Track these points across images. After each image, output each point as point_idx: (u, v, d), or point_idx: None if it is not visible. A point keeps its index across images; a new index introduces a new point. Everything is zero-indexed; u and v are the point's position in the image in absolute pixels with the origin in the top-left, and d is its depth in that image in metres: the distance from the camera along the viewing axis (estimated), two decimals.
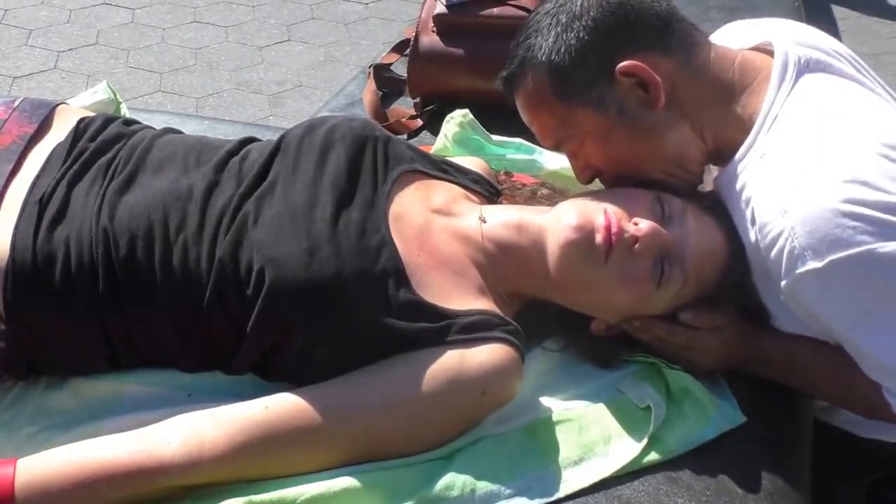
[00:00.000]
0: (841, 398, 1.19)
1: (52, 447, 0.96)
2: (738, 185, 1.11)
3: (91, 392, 1.08)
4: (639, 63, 1.10)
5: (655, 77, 1.10)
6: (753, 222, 1.07)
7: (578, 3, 1.12)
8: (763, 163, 1.07)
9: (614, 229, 1.09)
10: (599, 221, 1.10)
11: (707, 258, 1.13)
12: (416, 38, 1.78)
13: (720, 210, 1.18)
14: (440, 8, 1.76)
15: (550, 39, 1.13)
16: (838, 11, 3.91)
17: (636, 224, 1.10)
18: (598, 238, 1.09)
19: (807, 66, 1.12)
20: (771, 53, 1.15)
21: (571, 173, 1.39)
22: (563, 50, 1.12)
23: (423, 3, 1.82)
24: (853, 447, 1.30)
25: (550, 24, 1.14)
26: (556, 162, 1.49)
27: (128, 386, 1.08)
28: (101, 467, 0.93)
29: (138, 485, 0.94)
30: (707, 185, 1.28)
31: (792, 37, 1.17)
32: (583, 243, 1.09)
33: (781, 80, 1.11)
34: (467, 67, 1.74)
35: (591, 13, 1.11)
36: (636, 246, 1.09)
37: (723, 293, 1.15)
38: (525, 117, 1.22)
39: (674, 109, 1.13)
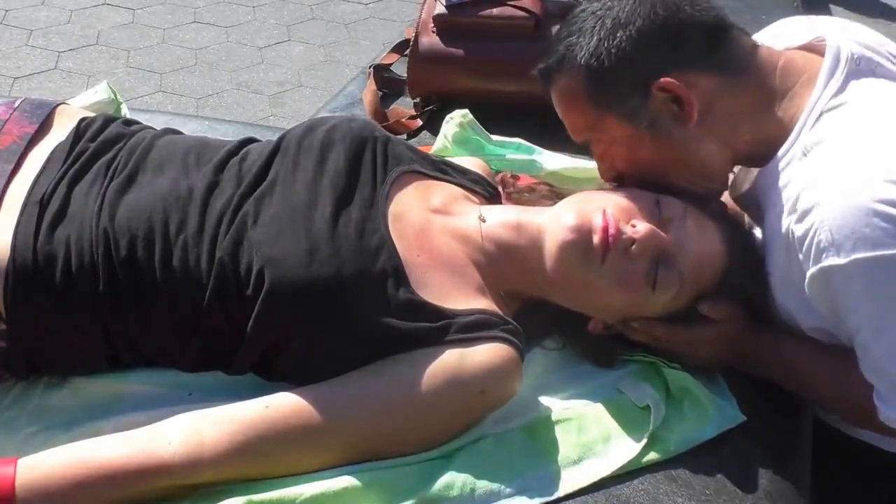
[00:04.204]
0: (833, 402, 1.19)
1: (53, 447, 0.96)
2: (780, 184, 1.09)
3: (91, 392, 1.08)
4: (676, 81, 1.09)
5: (690, 96, 1.09)
6: (790, 216, 1.05)
7: (626, 11, 1.10)
8: (806, 159, 1.06)
9: (612, 230, 1.09)
10: (597, 222, 1.10)
11: (705, 262, 1.13)
12: (416, 38, 1.78)
13: (721, 212, 1.18)
14: (440, 8, 1.76)
15: (592, 43, 1.10)
16: (837, 11, 3.90)
17: (633, 226, 1.10)
18: (595, 239, 1.09)
19: (858, 64, 1.11)
20: (820, 51, 1.14)
21: (571, 173, 1.40)
22: (602, 56, 1.10)
23: (423, 4, 1.82)
24: (854, 447, 1.30)
25: (595, 26, 1.11)
26: (555, 162, 1.49)
27: (128, 385, 1.09)
28: (101, 467, 0.93)
29: (138, 484, 0.94)
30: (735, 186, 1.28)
31: (850, 35, 1.16)
32: (580, 244, 1.10)
33: (831, 76, 1.10)
34: (467, 67, 1.74)
35: (637, 23, 1.09)
36: (633, 248, 1.09)
37: (722, 296, 1.15)
38: (558, 110, 1.21)
39: (705, 126, 1.11)
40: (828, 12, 3.83)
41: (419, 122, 1.81)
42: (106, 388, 1.09)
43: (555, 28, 1.39)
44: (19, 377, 1.10)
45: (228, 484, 0.96)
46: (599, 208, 1.12)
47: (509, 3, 1.73)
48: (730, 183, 1.27)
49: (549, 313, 1.21)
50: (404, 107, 1.86)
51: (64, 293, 1.04)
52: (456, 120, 1.52)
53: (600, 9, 1.12)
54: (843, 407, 1.18)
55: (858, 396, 1.07)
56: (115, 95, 1.55)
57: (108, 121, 1.25)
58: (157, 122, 1.38)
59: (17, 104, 1.23)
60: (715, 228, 1.16)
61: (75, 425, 1.04)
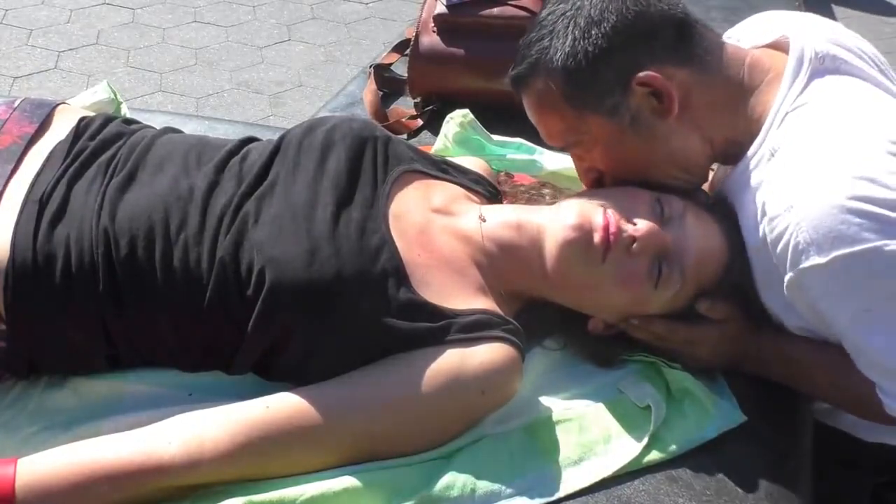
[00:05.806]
0: (836, 397, 1.19)
1: (53, 447, 0.96)
2: (749, 185, 1.10)
3: (91, 391, 1.08)
4: (656, 74, 1.09)
5: (670, 88, 1.09)
6: (762, 219, 1.06)
7: (598, 9, 1.10)
8: (773, 160, 1.07)
9: (612, 229, 1.09)
10: (598, 221, 1.10)
11: (706, 260, 1.13)
12: (417, 38, 1.78)
13: (721, 209, 1.18)
14: (440, 8, 1.76)
15: (567, 45, 1.10)
16: (839, 11, 3.91)
17: (634, 224, 1.10)
18: (596, 238, 1.09)
19: (822, 63, 1.11)
20: (786, 49, 1.14)
21: (571, 173, 1.39)
22: (580, 56, 1.10)
23: (424, 3, 1.82)
24: (855, 448, 1.30)
25: (567, 27, 1.11)
26: (556, 162, 1.49)
27: (128, 385, 1.08)
28: (101, 467, 0.93)
29: (138, 485, 0.94)
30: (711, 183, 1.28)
31: (816, 32, 1.16)
32: (581, 242, 1.10)
33: (795, 76, 1.10)
34: (467, 67, 1.74)
35: (611, 20, 1.09)
36: (634, 246, 1.09)
37: (723, 293, 1.15)
38: (532, 117, 1.21)
39: (684, 118, 1.12)
40: (829, 12, 3.83)
41: (419, 122, 1.81)
42: (106, 388, 1.09)
43: None
44: (19, 377, 1.10)
45: (228, 484, 0.96)
46: (600, 207, 1.12)
47: (510, 2, 1.73)
48: (709, 180, 1.27)
49: (550, 313, 1.20)
50: (405, 107, 1.86)
51: (64, 292, 1.04)
52: (456, 120, 1.52)
53: (570, 9, 1.12)
54: (846, 401, 1.18)
55: (861, 389, 1.08)
56: (115, 95, 1.55)
57: (108, 120, 1.25)
58: (157, 122, 1.38)
59: (16, 104, 1.23)
60: (716, 225, 1.15)
61: (75, 425, 1.04)
